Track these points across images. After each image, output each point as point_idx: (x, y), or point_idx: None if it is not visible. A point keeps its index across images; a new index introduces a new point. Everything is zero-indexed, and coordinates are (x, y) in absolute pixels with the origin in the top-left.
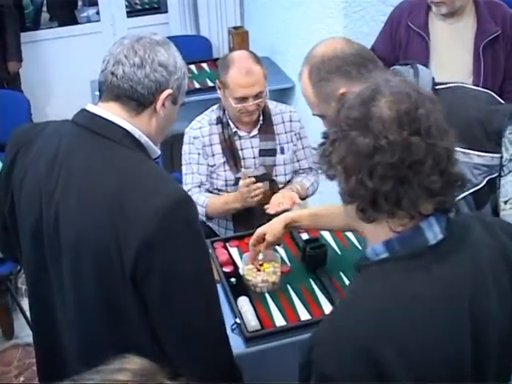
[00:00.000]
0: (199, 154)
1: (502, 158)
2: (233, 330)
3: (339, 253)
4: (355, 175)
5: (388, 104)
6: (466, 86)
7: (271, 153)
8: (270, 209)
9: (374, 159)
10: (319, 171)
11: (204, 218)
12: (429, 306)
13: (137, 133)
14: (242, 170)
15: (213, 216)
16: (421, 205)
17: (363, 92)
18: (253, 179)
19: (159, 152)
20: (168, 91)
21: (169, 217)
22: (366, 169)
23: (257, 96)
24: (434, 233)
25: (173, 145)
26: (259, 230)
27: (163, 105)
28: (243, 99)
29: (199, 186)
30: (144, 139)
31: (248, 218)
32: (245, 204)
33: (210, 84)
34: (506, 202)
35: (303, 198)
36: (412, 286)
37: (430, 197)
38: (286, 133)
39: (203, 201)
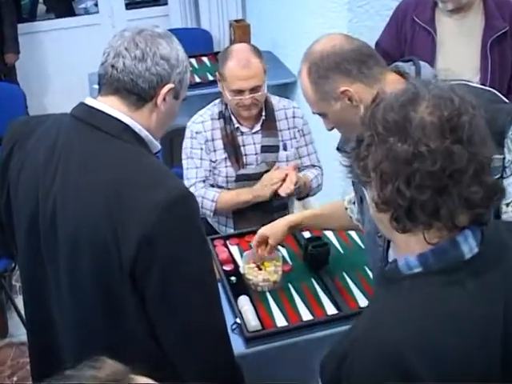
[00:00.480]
0: (202, 148)
1: (504, 159)
2: (233, 330)
3: (342, 252)
4: (391, 183)
5: (429, 109)
6: (469, 83)
7: (273, 149)
8: (281, 190)
9: (412, 166)
10: (348, 175)
11: (212, 214)
12: (462, 322)
13: (137, 127)
14: (257, 166)
15: (221, 211)
16: (458, 216)
17: (401, 94)
18: (286, 171)
19: (160, 146)
20: (169, 85)
21: (169, 212)
22: (403, 176)
23: (253, 90)
24: (469, 246)
25: (173, 139)
26: (261, 232)
27: (164, 99)
28: (239, 92)
29: (204, 181)
30: (144, 133)
31: (249, 215)
32: (259, 195)
33: (211, 78)
34: (507, 205)
35: (307, 193)
36: (446, 302)
37: (469, 208)
38: (288, 129)
39: (213, 195)
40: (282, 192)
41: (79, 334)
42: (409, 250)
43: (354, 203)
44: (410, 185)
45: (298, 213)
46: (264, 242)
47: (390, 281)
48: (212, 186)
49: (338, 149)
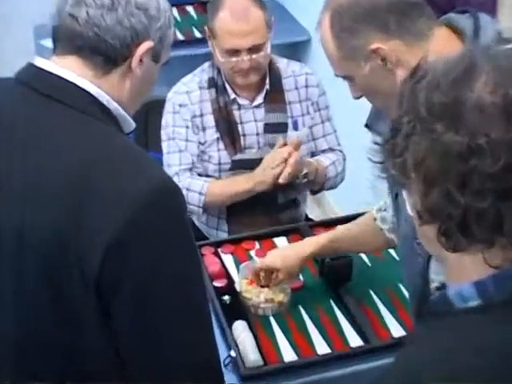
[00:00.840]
0: (187, 127)
1: None
2: (225, 366)
3: (369, 264)
4: (439, 186)
5: (490, 86)
6: None
7: (281, 128)
8: (281, 178)
9: (468, 164)
10: (380, 175)
11: (200, 211)
12: None
13: (104, 97)
14: (251, 151)
15: (213, 206)
16: None
17: (453, 65)
18: (288, 150)
19: (134, 124)
20: (148, 43)
21: (149, 208)
22: (455, 177)
23: (253, 49)
24: None
25: (148, 115)
26: (270, 263)
27: (141, 61)
28: (234, 52)
29: (190, 169)
30: (114, 106)
31: (247, 216)
32: (260, 180)
33: (198, 35)
34: None
35: (322, 184)
36: None
37: None
38: (300, 102)
39: (201, 186)
40: (281, 179)
41: (24, 351)
42: (462, 274)
43: (385, 210)
44: (465, 188)
45: (313, 239)
46: (269, 275)
47: (437, 316)
48: (200, 175)
49: (366, 126)
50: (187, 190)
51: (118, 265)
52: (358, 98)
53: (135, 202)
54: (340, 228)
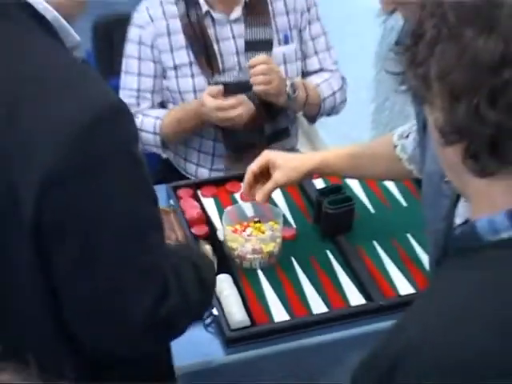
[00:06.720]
0: (140, 58)
1: None
2: (206, 327)
3: (372, 211)
4: (466, 101)
5: None
6: None
7: (265, 46)
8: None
9: (501, 76)
10: (399, 88)
11: (160, 151)
12: None
13: (40, 3)
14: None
15: (174, 142)
16: None
17: None
18: (220, 88)
19: (78, 38)
20: None
21: (92, 134)
22: (485, 90)
23: None
24: None
25: (113, 34)
26: (269, 158)
27: None
28: None
29: (138, 104)
30: (52, 14)
31: (230, 151)
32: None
33: None
34: None
35: (319, 109)
36: None
37: None
38: (287, 14)
39: (153, 125)
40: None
41: None
42: (491, 204)
43: (407, 137)
44: (496, 103)
45: (331, 150)
46: (265, 174)
47: (462, 252)
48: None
49: (396, 43)
50: (139, 130)
51: (55, 205)
52: (391, 12)
53: (72, 128)
54: (357, 146)
